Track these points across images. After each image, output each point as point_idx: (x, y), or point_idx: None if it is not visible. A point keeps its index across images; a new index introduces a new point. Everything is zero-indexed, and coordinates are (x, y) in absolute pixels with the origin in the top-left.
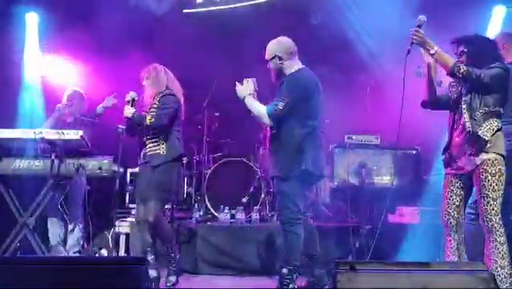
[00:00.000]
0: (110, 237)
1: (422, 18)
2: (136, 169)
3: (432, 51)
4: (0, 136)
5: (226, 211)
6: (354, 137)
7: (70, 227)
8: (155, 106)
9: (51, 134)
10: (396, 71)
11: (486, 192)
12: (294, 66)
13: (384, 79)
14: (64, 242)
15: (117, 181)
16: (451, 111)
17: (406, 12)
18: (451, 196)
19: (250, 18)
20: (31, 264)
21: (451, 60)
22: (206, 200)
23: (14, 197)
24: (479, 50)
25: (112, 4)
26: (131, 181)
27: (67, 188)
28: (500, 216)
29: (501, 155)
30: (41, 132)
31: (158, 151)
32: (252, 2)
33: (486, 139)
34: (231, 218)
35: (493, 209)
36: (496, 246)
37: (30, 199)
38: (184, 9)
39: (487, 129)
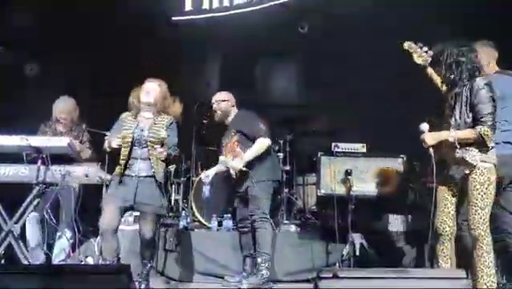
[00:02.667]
0: (96, 245)
1: (423, 126)
2: None
3: (451, 139)
4: None
5: (214, 218)
6: (341, 145)
7: (57, 234)
8: None
9: (38, 141)
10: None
11: (475, 200)
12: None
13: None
14: (49, 248)
15: (104, 188)
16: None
17: None
18: (445, 204)
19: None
20: (16, 272)
21: (470, 134)
22: (193, 207)
23: None
24: (459, 61)
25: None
26: None
27: (57, 195)
28: (487, 224)
29: (492, 163)
30: (27, 139)
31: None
32: (241, 11)
33: (474, 164)
34: (218, 225)
35: (480, 218)
36: (482, 254)
37: (16, 206)
38: (172, 17)
39: (486, 157)
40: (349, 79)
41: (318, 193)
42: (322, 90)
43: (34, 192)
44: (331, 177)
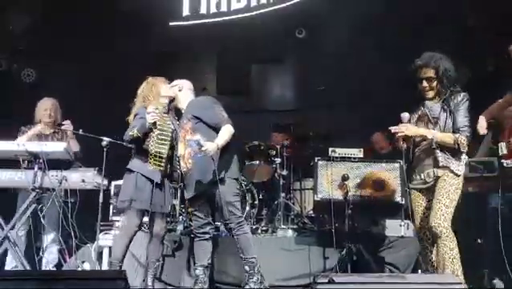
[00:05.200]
0: (93, 250)
1: (405, 115)
2: (121, 182)
3: (430, 136)
4: None
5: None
6: (338, 150)
7: (48, 239)
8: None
9: (34, 146)
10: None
11: (440, 197)
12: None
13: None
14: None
15: (101, 193)
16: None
17: None
18: (422, 209)
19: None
20: (12, 278)
21: (449, 137)
22: (190, 212)
23: None
24: (445, 75)
25: None
26: (115, 193)
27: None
28: (449, 223)
29: (462, 173)
30: (24, 144)
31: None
32: (238, 16)
33: (449, 166)
34: (215, 231)
35: (443, 215)
36: (446, 251)
37: (12, 211)
38: (170, 21)
39: (458, 164)
40: (346, 85)
41: (315, 198)
42: (319, 95)
43: (31, 197)
44: (327, 181)
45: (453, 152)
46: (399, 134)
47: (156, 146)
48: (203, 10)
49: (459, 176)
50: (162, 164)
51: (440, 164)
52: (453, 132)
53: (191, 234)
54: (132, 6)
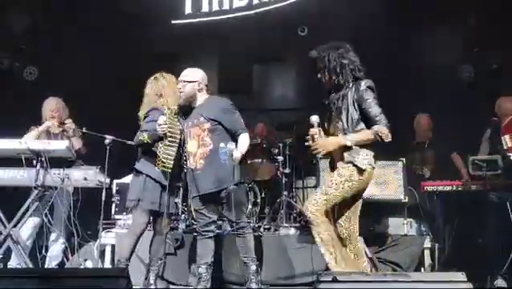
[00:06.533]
0: (95, 248)
1: (312, 118)
2: (123, 180)
3: (349, 144)
4: None
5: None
6: None
7: (52, 237)
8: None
9: (37, 144)
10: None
11: (323, 185)
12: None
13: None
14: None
15: (103, 191)
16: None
17: None
18: (338, 207)
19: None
20: (15, 276)
21: (368, 135)
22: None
23: None
24: (342, 63)
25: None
26: (117, 191)
27: (51, 198)
28: (321, 211)
29: (367, 166)
30: (26, 142)
31: None
32: (241, 14)
33: (363, 168)
34: (218, 229)
35: (314, 199)
36: (315, 236)
37: (15, 210)
38: (172, 20)
39: (363, 157)
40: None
41: None
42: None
43: (33, 195)
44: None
45: (369, 146)
46: (319, 155)
47: (164, 148)
48: (205, 9)
49: (358, 169)
50: (170, 165)
51: (346, 159)
52: (370, 125)
53: (193, 232)
54: (134, 4)
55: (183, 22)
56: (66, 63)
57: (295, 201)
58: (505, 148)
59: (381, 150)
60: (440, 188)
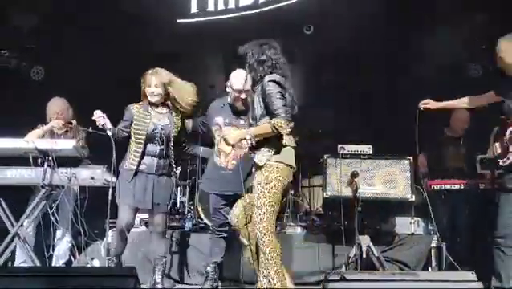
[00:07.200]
0: (102, 247)
1: (219, 120)
2: None
3: (248, 137)
4: None
5: None
6: (347, 147)
7: (57, 236)
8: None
9: (44, 143)
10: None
11: (254, 200)
12: None
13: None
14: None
15: (110, 190)
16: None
17: None
18: (244, 206)
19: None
20: (22, 275)
21: (265, 128)
22: (199, 209)
23: (6, 206)
24: (260, 60)
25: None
26: None
27: (57, 197)
28: (266, 225)
29: (279, 162)
30: (33, 142)
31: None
32: (246, 13)
33: (261, 164)
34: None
35: (257, 217)
36: (260, 255)
37: (22, 209)
38: (178, 19)
39: (262, 154)
40: (355, 81)
41: (325, 195)
42: (327, 91)
43: (40, 194)
44: (337, 178)
45: (261, 141)
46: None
47: (131, 146)
48: (211, 8)
49: (271, 167)
50: (136, 161)
51: (255, 160)
52: (271, 118)
53: (199, 230)
54: (134, 4)
55: (188, 21)
56: (66, 63)
57: (301, 200)
58: (495, 154)
59: (393, 147)
60: (447, 186)
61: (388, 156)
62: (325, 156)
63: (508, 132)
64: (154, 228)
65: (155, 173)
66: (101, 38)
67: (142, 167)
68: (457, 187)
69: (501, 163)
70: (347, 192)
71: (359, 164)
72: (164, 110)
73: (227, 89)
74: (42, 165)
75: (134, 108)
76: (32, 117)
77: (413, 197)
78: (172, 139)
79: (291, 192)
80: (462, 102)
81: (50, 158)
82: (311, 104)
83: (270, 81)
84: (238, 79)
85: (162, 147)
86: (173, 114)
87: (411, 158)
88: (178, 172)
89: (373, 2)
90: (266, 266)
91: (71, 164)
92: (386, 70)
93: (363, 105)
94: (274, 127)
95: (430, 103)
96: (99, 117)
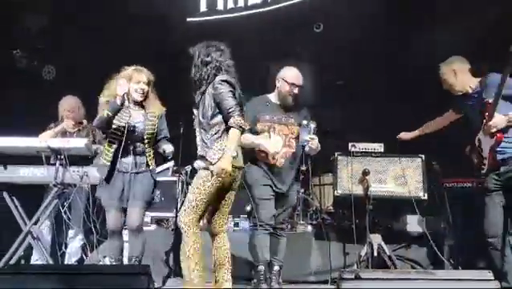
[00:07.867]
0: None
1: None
2: None
3: (234, 154)
4: (4, 145)
5: (230, 219)
6: (358, 145)
7: (70, 234)
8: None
9: (56, 142)
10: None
11: (189, 191)
12: None
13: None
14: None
15: None
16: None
17: None
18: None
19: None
20: (35, 272)
21: (233, 134)
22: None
23: (19, 205)
24: (205, 61)
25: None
26: None
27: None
28: (192, 218)
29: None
30: (46, 141)
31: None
32: (255, 11)
33: (213, 162)
34: (234, 226)
35: (184, 210)
36: (183, 245)
37: (35, 207)
38: (188, 18)
39: (213, 152)
40: (366, 79)
41: (335, 194)
42: (337, 89)
43: (53, 193)
44: (348, 177)
45: (212, 137)
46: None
47: (108, 141)
48: (220, 6)
49: (211, 164)
50: (108, 158)
51: (199, 154)
52: (227, 119)
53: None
54: (134, 4)
55: (198, 19)
56: (65, 62)
57: (312, 199)
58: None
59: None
60: (460, 185)
61: (399, 154)
62: (336, 154)
63: (476, 141)
64: (130, 226)
65: (131, 171)
66: (97, 39)
67: (119, 166)
68: (469, 185)
69: (482, 172)
70: (358, 190)
71: (370, 162)
72: (140, 107)
73: (278, 84)
74: (55, 164)
75: None
76: (43, 117)
77: (425, 195)
78: (148, 136)
79: (301, 190)
80: (429, 126)
81: (62, 157)
82: (321, 102)
83: (221, 81)
84: (294, 72)
85: (138, 144)
86: (149, 112)
87: (423, 156)
88: (189, 170)
89: (373, 2)
90: (190, 257)
91: (82, 162)
92: (385, 71)
93: (377, 103)
94: (239, 126)
95: (402, 136)
96: None
